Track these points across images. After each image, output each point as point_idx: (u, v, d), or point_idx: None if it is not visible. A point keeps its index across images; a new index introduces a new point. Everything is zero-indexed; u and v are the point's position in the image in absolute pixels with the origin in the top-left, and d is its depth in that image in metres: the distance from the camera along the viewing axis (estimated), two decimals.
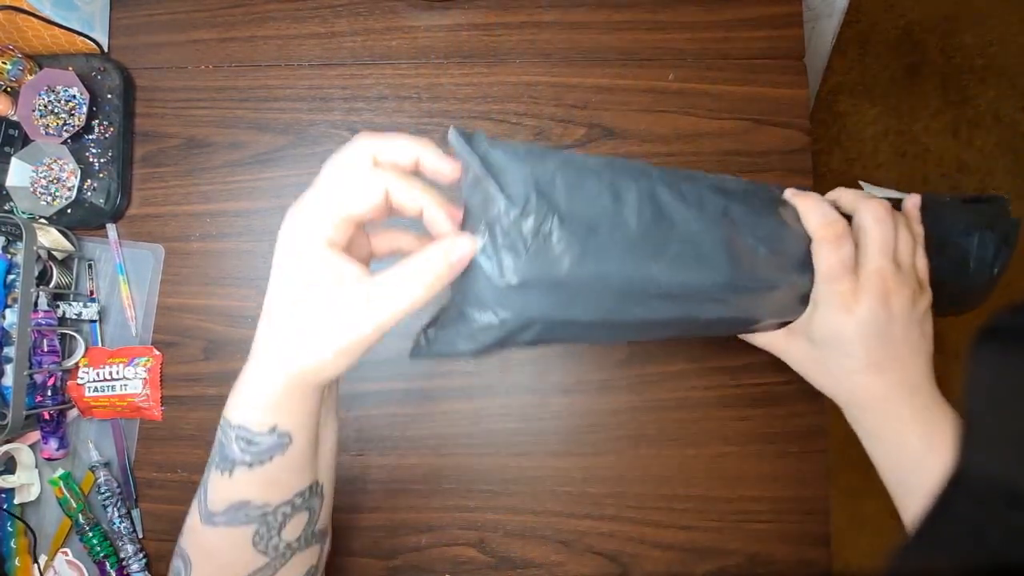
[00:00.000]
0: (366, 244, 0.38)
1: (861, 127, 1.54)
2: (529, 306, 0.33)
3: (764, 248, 0.38)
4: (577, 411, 0.58)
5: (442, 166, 0.33)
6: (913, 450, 0.40)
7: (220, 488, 0.34)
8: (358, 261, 0.32)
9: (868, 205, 0.41)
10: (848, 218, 0.42)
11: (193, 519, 0.36)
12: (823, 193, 0.44)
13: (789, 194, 0.42)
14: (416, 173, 0.34)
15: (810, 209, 0.40)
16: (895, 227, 0.40)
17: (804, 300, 0.42)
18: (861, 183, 0.51)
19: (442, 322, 0.35)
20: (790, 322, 0.44)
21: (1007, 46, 1.57)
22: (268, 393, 0.32)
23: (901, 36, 1.60)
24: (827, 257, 0.39)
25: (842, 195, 0.43)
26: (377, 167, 0.32)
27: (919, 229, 0.43)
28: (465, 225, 0.34)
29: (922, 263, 0.42)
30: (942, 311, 0.45)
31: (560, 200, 0.32)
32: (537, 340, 0.35)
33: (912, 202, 0.44)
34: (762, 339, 0.46)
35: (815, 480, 0.56)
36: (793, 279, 0.40)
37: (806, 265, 0.40)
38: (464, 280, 0.33)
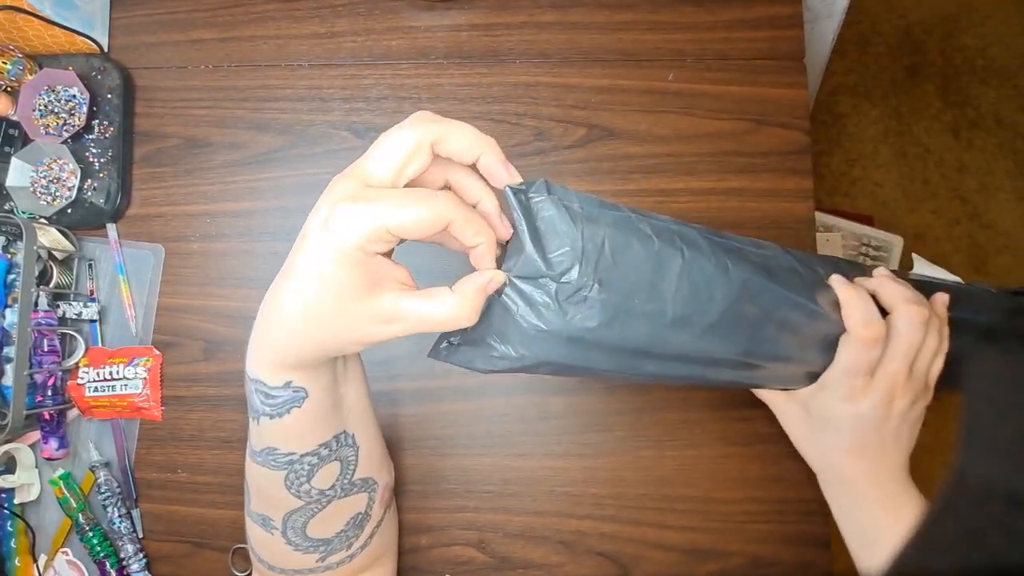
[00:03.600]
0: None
1: (861, 128, 1.54)
2: (548, 351, 0.34)
3: (791, 334, 0.40)
4: (577, 411, 0.58)
5: (498, 173, 0.32)
6: (874, 526, 0.44)
7: (254, 432, 0.35)
8: (391, 266, 0.32)
9: (908, 310, 0.41)
10: (880, 299, 0.43)
11: (247, 450, 0.38)
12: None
13: (836, 281, 0.42)
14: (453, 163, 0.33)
15: (854, 305, 0.41)
16: (926, 335, 0.42)
17: (812, 377, 0.44)
18: (915, 257, 0.52)
19: (465, 337, 0.36)
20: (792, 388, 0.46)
21: (1008, 47, 1.57)
22: (279, 352, 0.32)
23: (901, 37, 1.60)
24: (855, 355, 0.41)
25: (886, 286, 0.43)
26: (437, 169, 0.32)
27: (947, 331, 0.44)
28: (504, 253, 0.34)
29: (937, 367, 0.43)
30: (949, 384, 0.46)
31: (603, 267, 0.33)
32: (550, 374, 0.36)
33: (941, 300, 0.45)
34: (762, 392, 0.49)
35: (815, 482, 0.56)
36: (810, 359, 0.42)
37: (827, 349, 0.42)
38: (490, 312, 0.34)
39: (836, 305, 0.41)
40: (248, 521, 0.41)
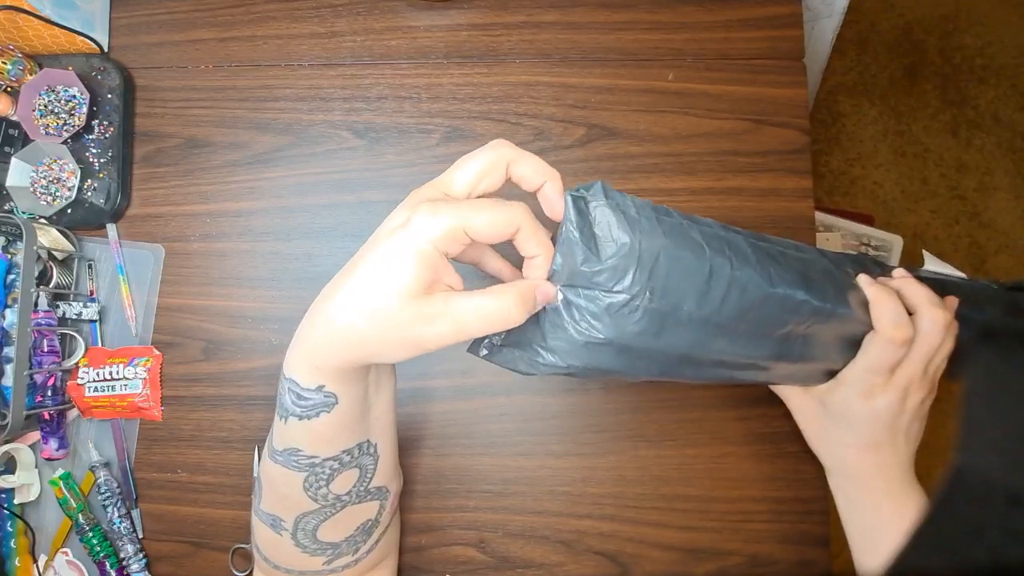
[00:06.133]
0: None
1: (861, 127, 1.55)
2: (595, 358, 0.34)
3: (822, 337, 0.41)
4: (577, 411, 0.58)
5: (557, 205, 0.34)
6: (883, 518, 0.45)
7: (278, 431, 0.36)
8: (451, 270, 0.32)
9: (933, 314, 0.42)
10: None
11: (266, 449, 0.38)
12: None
13: (864, 281, 0.43)
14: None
15: (885, 306, 0.42)
16: (945, 338, 0.43)
17: (830, 374, 0.45)
18: (925, 253, 0.52)
19: (509, 339, 0.37)
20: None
21: (1006, 47, 1.57)
22: (317, 354, 0.32)
23: (900, 36, 1.60)
24: (881, 354, 0.42)
25: (911, 287, 0.44)
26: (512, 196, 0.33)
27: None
28: (554, 261, 0.34)
29: (944, 365, 0.44)
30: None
31: (657, 277, 0.33)
32: (588, 377, 0.37)
33: (952, 303, 0.46)
34: (777, 387, 0.49)
35: (814, 481, 0.56)
36: (832, 357, 0.43)
37: (850, 347, 0.43)
38: (537, 318, 0.34)
39: (864, 305, 0.42)
40: (255, 520, 0.41)
